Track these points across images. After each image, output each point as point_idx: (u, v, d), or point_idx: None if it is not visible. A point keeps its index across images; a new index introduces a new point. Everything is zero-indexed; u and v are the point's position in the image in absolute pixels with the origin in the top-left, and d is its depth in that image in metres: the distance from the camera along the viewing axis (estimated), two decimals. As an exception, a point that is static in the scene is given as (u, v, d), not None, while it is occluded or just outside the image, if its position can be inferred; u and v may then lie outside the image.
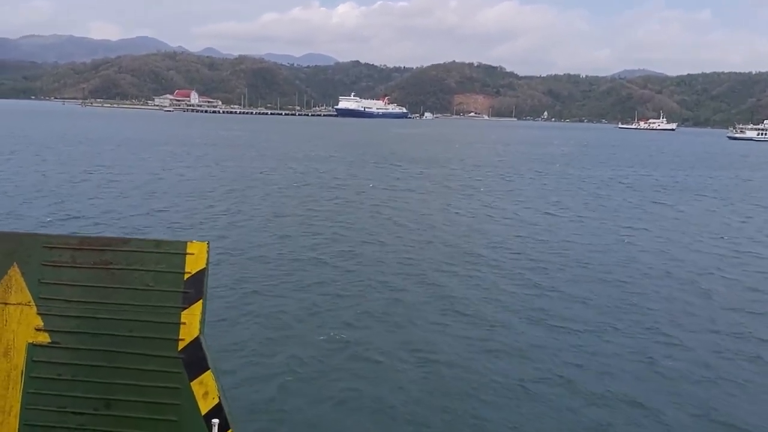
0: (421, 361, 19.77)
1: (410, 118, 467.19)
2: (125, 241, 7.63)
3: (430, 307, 25.01)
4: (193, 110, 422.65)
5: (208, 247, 7.31)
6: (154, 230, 36.66)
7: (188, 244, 7.32)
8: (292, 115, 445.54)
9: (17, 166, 66.50)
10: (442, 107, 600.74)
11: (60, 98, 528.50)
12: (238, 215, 43.84)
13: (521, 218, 47.26)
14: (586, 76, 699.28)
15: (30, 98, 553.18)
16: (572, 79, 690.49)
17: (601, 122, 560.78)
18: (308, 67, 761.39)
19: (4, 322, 7.37)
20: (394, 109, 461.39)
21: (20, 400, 7.28)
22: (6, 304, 7.37)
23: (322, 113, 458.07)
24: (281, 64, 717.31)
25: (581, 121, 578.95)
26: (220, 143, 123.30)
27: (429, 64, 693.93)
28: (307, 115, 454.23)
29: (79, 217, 39.92)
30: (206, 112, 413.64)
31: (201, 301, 7.18)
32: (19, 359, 7.32)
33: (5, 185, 52.09)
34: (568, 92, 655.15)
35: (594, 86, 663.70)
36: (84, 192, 50.75)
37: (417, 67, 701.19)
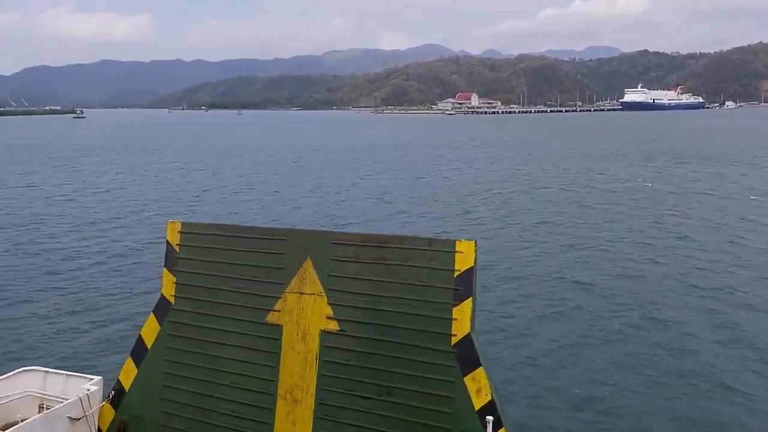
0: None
1: (708, 107, 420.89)
2: (401, 238, 8.00)
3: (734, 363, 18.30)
4: (473, 112, 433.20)
5: (476, 246, 7.45)
6: (425, 228, 37.35)
7: (457, 242, 7.52)
8: (572, 111, 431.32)
9: (309, 171, 71.89)
10: (747, 94, 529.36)
11: (356, 107, 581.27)
12: (502, 218, 42.02)
13: None
14: None
15: (332, 108, 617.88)
16: None
17: None
18: (591, 60, 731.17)
19: (301, 309, 8.10)
20: (688, 99, 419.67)
21: (315, 381, 7.96)
22: (302, 293, 8.13)
23: (606, 108, 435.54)
24: (562, 60, 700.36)
25: None
26: (493, 144, 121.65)
27: (730, 47, 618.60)
28: (589, 110, 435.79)
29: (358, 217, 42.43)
30: (485, 113, 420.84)
31: (471, 298, 7.35)
32: (314, 344, 8.02)
33: (300, 188, 57.06)
34: None
35: None
36: (360, 192, 53.46)
37: (715, 52, 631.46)
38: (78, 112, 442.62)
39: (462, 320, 7.33)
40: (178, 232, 9.08)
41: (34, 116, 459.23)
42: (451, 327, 7.36)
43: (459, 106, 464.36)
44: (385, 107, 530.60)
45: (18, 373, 9.57)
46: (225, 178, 66.31)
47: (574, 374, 17.23)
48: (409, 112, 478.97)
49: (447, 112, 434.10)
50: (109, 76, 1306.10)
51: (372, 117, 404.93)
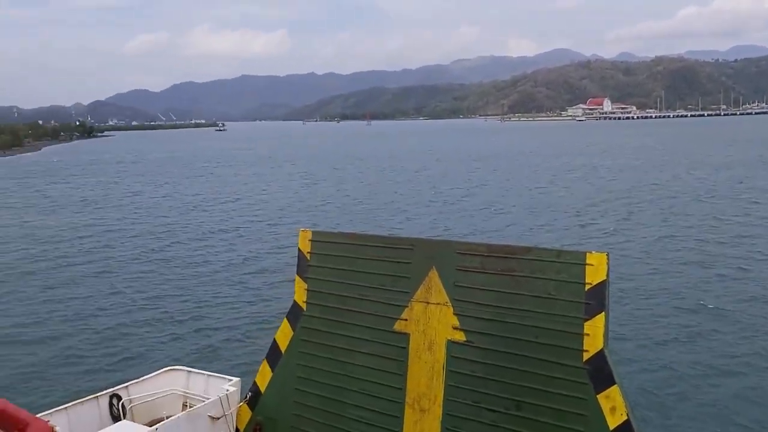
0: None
1: None
2: (527, 249, 7.89)
3: None
4: (605, 118, 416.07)
5: (608, 258, 7.19)
6: (550, 240, 36.74)
7: (588, 254, 7.31)
8: (716, 115, 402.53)
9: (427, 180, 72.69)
10: None
11: (483, 115, 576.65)
12: (628, 230, 40.42)
13: None
14: None
15: (458, 117, 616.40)
16: None
17: None
18: (736, 61, 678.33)
19: (428, 319, 8.16)
20: None
21: (443, 392, 8.01)
22: (428, 303, 8.17)
23: (754, 111, 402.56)
24: (703, 61, 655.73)
25: None
26: (624, 151, 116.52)
27: None
28: (735, 114, 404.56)
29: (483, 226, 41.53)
30: (619, 118, 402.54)
31: (603, 313, 7.10)
32: (441, 354, 8.06)
33: (420, 197, 57.67)
34: None
35: None
36: (477, 202, 53.14)
37: None
38: (220, 125, 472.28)
39: (594, 336, 7.09)
40: (309, 240, 9.36)
41: (180, 129, 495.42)
42: (582, 342, 7.15)
43: (590, 112, 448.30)
44: (511, 115, 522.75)
45: (164, 372, 10.26)
46: (349, 186, 68.62)
47: (706, 403, 16.22)
48: (536, 119, 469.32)
49: (577, 119, 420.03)
50: (248, 90, 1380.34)
51: (498, 125, 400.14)
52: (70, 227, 46.44)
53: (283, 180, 78.69)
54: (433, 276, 8.18)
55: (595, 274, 7.16)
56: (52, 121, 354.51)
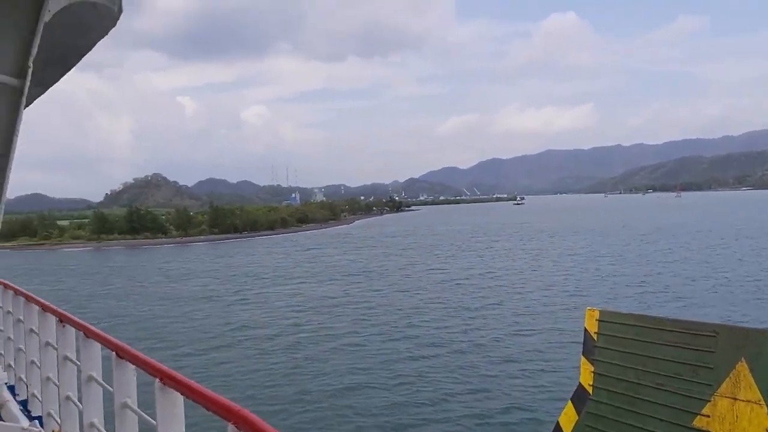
0: None
1: None
2: None
3: None
4: None
5: None
6: None
7: None
8: None
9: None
10: None
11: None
12: None
13: None
14: None
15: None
16: None
17: None
18: None
19: (735, 417, 7.13)
20: None
21: None
22: (736, 399, 7.12)
23: None
24: None
25: None
26: None
27: None
28: None
29: None
30: None
31: None
32: None
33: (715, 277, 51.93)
34: None
35: None
36: None
37: None
38: (518, 198, 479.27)
39: None
40: (596, 320, 8.66)
41: (482, 203, 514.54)
42: None
43: None
44: None
45: None
46: (638, 263, 64.01)
47: None
48: None
49: None
50: (552, 164, 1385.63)
51: None
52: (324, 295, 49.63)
53: (565, 254, 75.31)
54: (742, 369, 6.99)
55: None
56: (372, 197, 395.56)
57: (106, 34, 5.08)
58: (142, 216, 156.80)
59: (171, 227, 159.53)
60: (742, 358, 6.97)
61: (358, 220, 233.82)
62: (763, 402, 6.75)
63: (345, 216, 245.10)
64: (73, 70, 5.79)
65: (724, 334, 7.29)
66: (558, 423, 8.70)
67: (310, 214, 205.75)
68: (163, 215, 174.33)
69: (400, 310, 42.48)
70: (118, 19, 4.91)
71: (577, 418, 8.50)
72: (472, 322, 37.90)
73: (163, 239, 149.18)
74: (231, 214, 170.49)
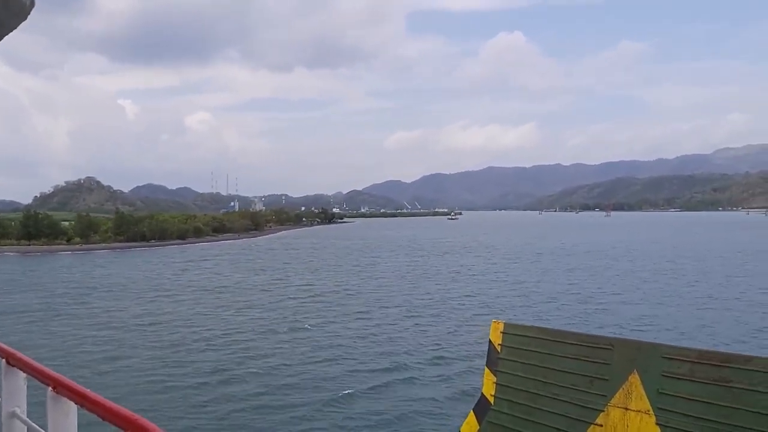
0: None
1: None
2: (748, 359, 7.02)
3: None
4: None
5: None
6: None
7: None
8: None
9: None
10: None
11: (745, 208, 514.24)
12: None
13: None
14: None
15: (717, 209, 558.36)
16: None
17: None
18: None
19: (625, 426, 7.54)
20: None
21: None
22: (627, 409, 7.55)
23: None
24: None
25: None
26: None
27: None
28: None
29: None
30: None
31: None
32: None
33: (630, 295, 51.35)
34: None
35: None
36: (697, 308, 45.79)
37: None
38: (452, 214, 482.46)
39: None
40: (501, 332, 9.03)
41: (419, 217, 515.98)
42: None
43: None
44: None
45: None
46: (549, 280, 63.92)
47: None
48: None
49: None
50: (494, 180, 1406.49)
51: (763, 219, 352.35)
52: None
53: (482, 268, 73.15)
54: (634, 380, 7.51)
55: None
56: (312, 208, 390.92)
57: (16, 27, 4.79)
58: (39, 220, 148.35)
59: (72, 233, 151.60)
60: (635, 370, 7.42)
61: (284, 231, 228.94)
62: (651, 412, 7.22)
63: (270, 226, 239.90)
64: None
65: (619, 347, 7.72)
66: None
67: (228, 223, 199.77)
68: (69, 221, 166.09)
69: (234, 329, 38.95)
70: (29, 13, 4.63)
71: (478, 427, 8.80)
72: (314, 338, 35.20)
73: (62, 246, 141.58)
74: (138, 222, 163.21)
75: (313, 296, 52.44)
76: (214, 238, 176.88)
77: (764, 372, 6.64)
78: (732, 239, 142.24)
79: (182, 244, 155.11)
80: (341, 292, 55.29)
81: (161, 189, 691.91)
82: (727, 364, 6.92)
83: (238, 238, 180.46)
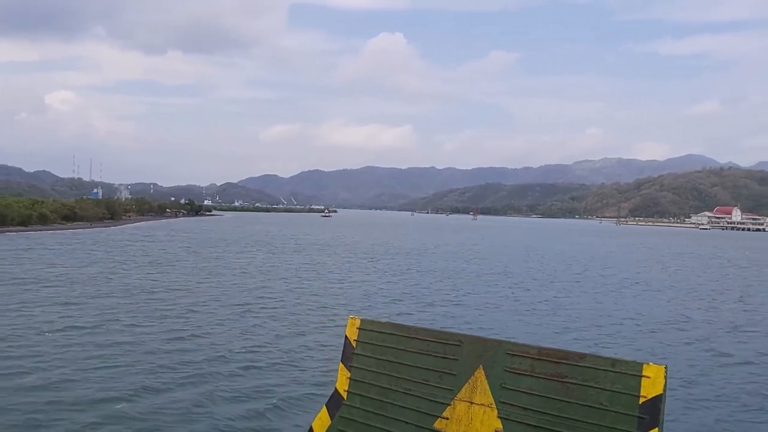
0: None
1: None
2: (581, 356, 7.38)
3: None
4: (732, 228, 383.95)
5: (666, 371, 6.75)
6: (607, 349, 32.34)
7: (645, 366, 6.88)
8: None
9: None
10: None
11: (599, 217, 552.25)
12: (695, 343, 34.37)
13: None
14: None
15: (574, 217, 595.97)
16: None
17: None
18: None
19: (470, 419, 7.68)
20: None
21: None
22: (472, 403, 7.72)
23: None
24: None
25: None
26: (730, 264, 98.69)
27: None
28: None
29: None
30: (748, 230, 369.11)
31: (657, 429, 6.70)
32: None
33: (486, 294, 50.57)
34: None
35: None
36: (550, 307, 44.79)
37: None
38: (326, 211, 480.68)
39: None
40: (357, 328, 9.01)
41: (293, 213, 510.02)
42: None
43: (716, 220, 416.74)
44: (629, 218, 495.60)
45: None
46: (414, 278, 62.77)
47: None
48: (656, 224, 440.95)
49: (701, 227, 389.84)
50: (371, 180, 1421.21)
51: (612, 227, 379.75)
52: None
53: (353, 266, 70.52)
54: (480, 375, 7.72)
55: (651, 388, 6.70)
56: (183, 199, 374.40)
57: None
58: None
59: None
60: (481, 366, 7.64)
61: (143, 222, 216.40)
62: (494, 405, 7.46)
63: (129, 216, 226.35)
64: None
65: (468, 343, 7.92)
66: (311, 428, 9.05)
67: (81, 211, 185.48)
68: None
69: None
70: None
71: (330, 422, 8.79)
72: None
73: None
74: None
75: (141, 293, 47.84)
76: (62, 226, 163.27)
77: (595, 368, 6.94)
78: (576, 243, 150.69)
79: (24, 231, 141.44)
80: (179, 289, 51.06)
81: (17, 171, 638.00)
82: (564, 361, 7.19)
83: (89, 227, 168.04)
